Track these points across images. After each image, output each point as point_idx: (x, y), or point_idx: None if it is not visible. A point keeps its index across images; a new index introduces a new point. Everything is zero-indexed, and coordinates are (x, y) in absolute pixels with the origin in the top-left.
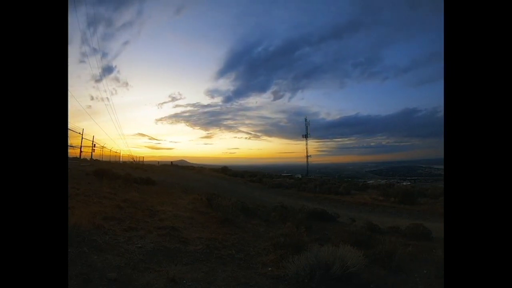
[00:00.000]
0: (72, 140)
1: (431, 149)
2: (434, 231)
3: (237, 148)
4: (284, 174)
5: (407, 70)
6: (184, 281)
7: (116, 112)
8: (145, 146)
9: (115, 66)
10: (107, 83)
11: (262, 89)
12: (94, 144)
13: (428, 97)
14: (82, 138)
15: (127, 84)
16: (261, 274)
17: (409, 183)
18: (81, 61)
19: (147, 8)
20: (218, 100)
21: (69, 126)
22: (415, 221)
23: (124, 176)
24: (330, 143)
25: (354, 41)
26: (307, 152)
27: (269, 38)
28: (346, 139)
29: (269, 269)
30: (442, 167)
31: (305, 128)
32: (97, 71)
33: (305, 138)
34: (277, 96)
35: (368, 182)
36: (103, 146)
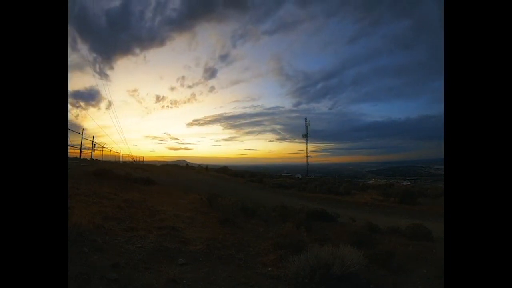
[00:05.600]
0: (73, 140)
1: (432, 149)
2: (434, 231)
3: (254, 150)
4: (284, 174)
5: (438, 89)
6: (184, 281)
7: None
8: (166, 147)
9: (217, 69)
10: (199, 85)
11: (331, 98)
12: (94, 144)
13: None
14: (82, 138)
15: (213, 88)
16: (261, 274)
17: (409, 183)
18: (186, 66)
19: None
20: (284, 103)
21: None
22: (415, 221)
23: (124, 176)
24: (336, 144)
25: (420, 72)
26: (307, 152)
27: (368, 62)
28: (358, 141)
29: (269, 269)
30: (442, 167)
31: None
32: (200, 74)
33: (305, 138)
34: (334, 106)
35: (368, 182)
36: (102, 147)
